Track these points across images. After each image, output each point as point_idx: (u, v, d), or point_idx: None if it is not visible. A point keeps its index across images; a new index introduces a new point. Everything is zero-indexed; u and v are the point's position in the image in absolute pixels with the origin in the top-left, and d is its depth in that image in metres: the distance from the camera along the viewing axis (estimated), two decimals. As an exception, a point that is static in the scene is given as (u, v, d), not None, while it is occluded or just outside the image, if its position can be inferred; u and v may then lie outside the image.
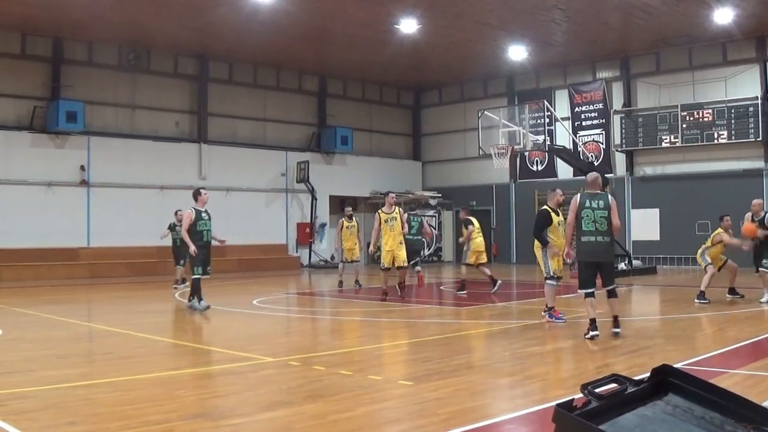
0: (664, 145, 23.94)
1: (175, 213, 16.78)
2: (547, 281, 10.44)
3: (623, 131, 24.92)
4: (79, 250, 21.98)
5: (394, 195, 14.51)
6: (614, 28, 21.66)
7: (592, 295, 8.86)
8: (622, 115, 25.06)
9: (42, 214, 21.13)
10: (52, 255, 21.20)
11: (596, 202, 8.84)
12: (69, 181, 21.99)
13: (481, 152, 21.40)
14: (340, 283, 17.39)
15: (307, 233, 26.79)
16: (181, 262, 16.75)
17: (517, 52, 24.09)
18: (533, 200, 27.33)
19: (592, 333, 8.65)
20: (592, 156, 25.01)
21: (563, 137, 25.33)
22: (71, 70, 22.45)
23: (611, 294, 8.86)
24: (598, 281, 8.96)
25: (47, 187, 21.54)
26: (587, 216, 8.80)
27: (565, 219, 10.16)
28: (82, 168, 22.19)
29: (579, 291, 9.04)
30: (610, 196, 9.02)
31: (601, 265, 8.94)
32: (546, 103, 22.12)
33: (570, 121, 26.12)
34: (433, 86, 30.78)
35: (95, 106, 22.72)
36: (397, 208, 14.03)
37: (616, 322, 8.83)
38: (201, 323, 11.51)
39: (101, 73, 23.10)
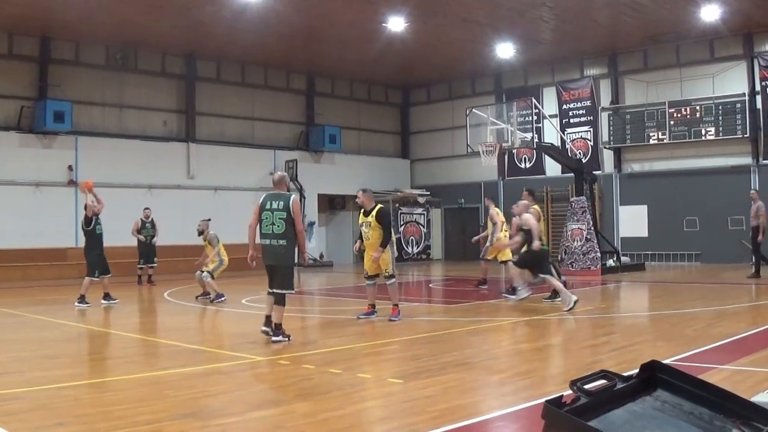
0: (651, 141, 24.04)
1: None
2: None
3: (611, 128, 25.01)
4: (68, 251, 21.80)
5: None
6: (602, 25, 21.73)
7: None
8: (610, 112, 25.15)
9: (30, 214, 20.98)
10: (41, 255, 21.08)
11: (276, 203, 8.62)
12: (57, 182, 21.84)
13: (469, 150, 21.38)
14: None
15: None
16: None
17: (505, 50, 24.14)
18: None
19: (263, 328, 8.78)
20: (580, 153, 25.07)
21: (551, 134, 25.38)
22: (59, 69, 22.30)
23: (275, 299, 8.65)
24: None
25: (35, 187, 21.41)
26: (266, 218, 8.62)
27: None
28: (70, 168, 22.05)
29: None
30: (293, 198, 8.72)
31: (272, 268, 8.71)
32: (534, 100, 22.16)
33: (558, 119, 26.19)
34: (421, 84, 30.78)
35: (83, 106, 22.58)
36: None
37: (269, 322, 8.71)
38: (190, 323, 11.48)
39: (89, 73, 22.96)
